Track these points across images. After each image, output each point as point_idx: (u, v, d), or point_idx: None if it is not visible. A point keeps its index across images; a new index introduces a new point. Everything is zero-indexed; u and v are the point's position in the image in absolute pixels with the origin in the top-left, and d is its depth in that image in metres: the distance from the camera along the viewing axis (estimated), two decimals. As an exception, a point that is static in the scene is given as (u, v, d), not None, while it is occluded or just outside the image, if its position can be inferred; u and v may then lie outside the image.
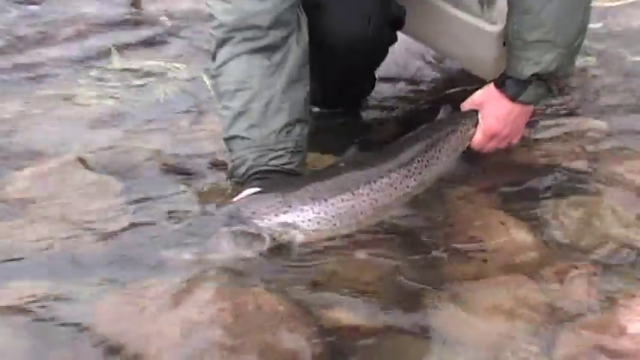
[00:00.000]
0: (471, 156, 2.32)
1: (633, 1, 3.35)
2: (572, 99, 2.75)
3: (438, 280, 1.88)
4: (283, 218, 1.91)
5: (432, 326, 1.73)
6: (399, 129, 2.52)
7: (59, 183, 2.19)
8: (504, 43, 2.31)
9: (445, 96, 2.70)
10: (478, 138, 2.30)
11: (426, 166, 2.16)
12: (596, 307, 1.80)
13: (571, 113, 2.64)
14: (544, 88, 2.26)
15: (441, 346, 1.68)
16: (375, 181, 2.04)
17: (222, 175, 2.24)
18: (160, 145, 2.47)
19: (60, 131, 2.56)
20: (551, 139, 2.49)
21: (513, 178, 2.34)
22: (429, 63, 3.02)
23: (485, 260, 1.94)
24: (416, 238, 2.03)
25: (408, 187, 2.10)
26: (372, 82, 2.65)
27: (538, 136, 2.47)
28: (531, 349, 1.68)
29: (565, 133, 2.53)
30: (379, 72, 2.65)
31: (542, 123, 2.53)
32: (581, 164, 2.39)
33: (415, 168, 2.14)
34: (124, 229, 2.01)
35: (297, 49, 2.12)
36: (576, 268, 1.91)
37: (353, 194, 1.99)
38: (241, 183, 2.10)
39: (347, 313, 1.73)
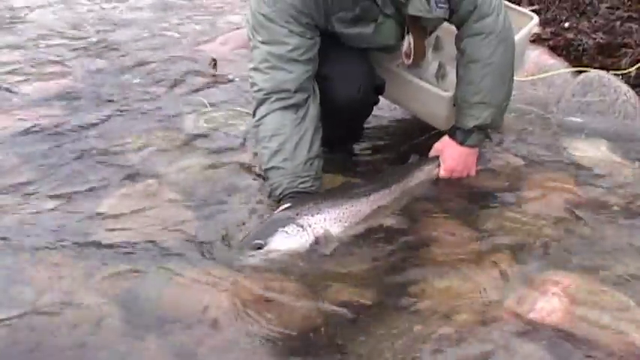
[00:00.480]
0: (440, 184, 2.65)
1: (541, 77, 3.70)
2: (500, 142, 3.10)
3: (410, 267, 2.23)
4: (318, 217, 2.28)
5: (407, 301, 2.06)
6: (382, 165, 2.91)
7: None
8: (454, 104, 2.67)
9: (414, 144, 3.00)
10: (442, 174, 2.66)
11: (401, 189, 2.55)
12: (515, 286, 2.12)
13: (500, 151, 3.02)
14: (483, 135, 2.65)
15: (410, 315, 2.00)
16: (369, 196, 2.44)
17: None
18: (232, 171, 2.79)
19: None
20: (489, 169, 2.83)
21: (463, 198, 2.68)
22: (401, 119, 3.33)
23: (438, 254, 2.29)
24: (393, 238, 2.37)
25: (389, 200, 2.49)
26: (361, 131, 3.01)
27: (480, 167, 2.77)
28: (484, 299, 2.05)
29: (500, 165, 2.90)
30: (367, 125, 3.00)
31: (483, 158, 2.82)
32: (507, 186, 2.76)
33: (394, 189, 2.54)
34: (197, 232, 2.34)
35: (313, 107, 2.47)
36: (502, 256, 2.27)
37: (357, 204, 2.39)
38: (278, 201, 2.42)
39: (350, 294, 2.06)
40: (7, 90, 3.51)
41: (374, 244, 2.35)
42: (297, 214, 2.25)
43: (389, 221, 2.45)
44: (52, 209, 2.48)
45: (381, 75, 2.77)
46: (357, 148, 3.07)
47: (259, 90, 2.46)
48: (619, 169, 2.91)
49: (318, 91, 2.52)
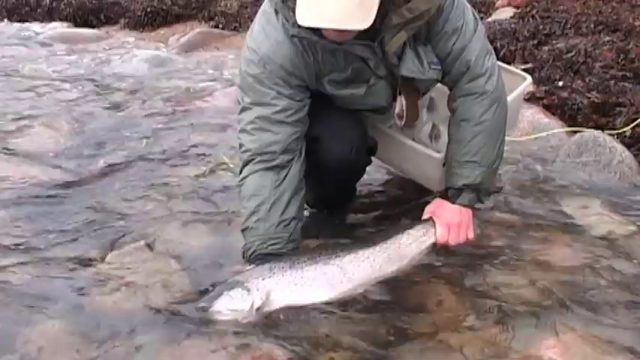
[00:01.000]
0: (438, 250, 2.57)
1: (535, 138, 3.70)
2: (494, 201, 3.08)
3: (392, 338, 2.24)
4: (268, 281, 2.29)
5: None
6: (371, 229, 2.90)
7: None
8: (444, 165, 2.65)
9: (408, 207, 3.01)
10: (439, 230, 2.53)
11: (391, 251, 2.47)
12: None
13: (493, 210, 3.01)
14: (474, 195, 2.57)
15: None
16: (341, 260, 2.38)
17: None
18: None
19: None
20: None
21: (452, 258, 2.63)
22: (394, 180, 3.32)
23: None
24: (366, 304, 2.35)
25: (369, 264, 2.42)
26: (353, 192, 3.00)
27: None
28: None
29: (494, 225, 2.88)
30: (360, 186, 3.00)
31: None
32: (500, 243, 2.78)
33: (374, 253, 2.45)
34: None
35: (295, 168, 2.46)
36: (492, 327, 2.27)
37: (323, 267, 2.34)
38: (248, 262, 2.44)
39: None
40: None
41: (343, 308, 2.33)
42: (247, 278, 2.29)
43: (368, 287, 2.41)
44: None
45: (373, 136, 2.78)
46: (350, 209, 3.06)
47: (245, 151, 2.48)
48: (615, 228, 2.90)
49: (304, 152, 2.52)
